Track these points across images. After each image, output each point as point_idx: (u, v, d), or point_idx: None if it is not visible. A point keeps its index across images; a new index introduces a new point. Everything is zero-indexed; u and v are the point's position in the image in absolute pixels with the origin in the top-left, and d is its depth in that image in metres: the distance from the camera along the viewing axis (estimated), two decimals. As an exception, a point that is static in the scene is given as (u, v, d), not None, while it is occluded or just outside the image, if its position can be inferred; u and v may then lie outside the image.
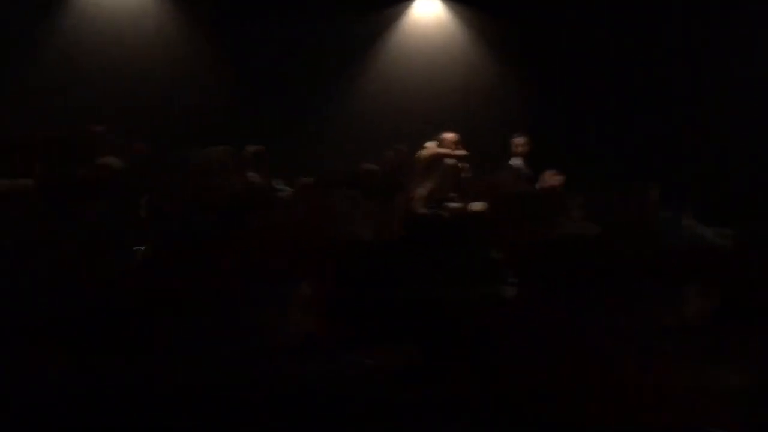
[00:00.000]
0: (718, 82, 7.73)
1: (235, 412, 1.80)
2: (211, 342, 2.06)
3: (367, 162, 5.57)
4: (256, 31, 8.22)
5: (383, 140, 6.98)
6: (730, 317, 2.15)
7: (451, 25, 8.87)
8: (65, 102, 7.63)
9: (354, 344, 2.14)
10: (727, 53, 7.78)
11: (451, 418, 1.81)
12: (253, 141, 6.01)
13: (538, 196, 4.50)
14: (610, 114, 8.05)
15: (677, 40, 8.03)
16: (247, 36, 8.24)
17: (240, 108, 8.12)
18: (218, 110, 8.12)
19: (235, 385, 1.85)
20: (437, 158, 6.10)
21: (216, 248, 2.47)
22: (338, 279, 2.38)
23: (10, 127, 5.47)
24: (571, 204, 3.68)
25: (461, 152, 6.57)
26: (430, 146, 6.55)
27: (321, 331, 2.20)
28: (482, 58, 8.78)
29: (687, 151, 7.73)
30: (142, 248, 2.89)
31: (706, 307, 2.12)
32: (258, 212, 3.12)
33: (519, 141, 7.29)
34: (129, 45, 8.31)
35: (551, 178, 6.34)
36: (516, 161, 7.24)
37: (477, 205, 4.63)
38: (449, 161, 5.95)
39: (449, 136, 6.73)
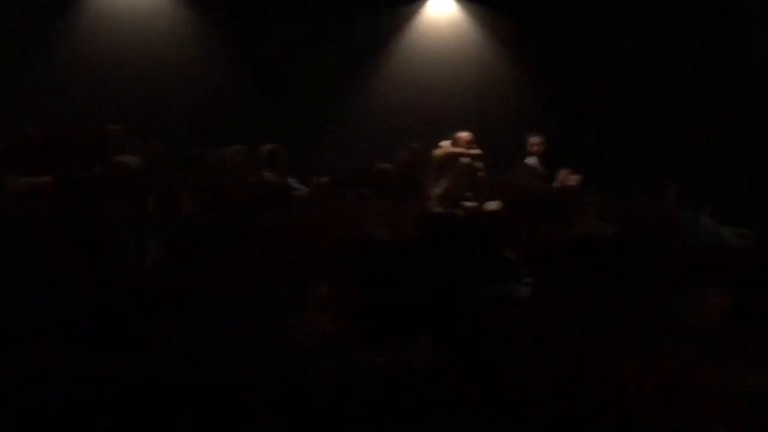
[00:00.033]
0: (733, 81, 7.70)
1: (251, 412, 1.80)
2: (226, 342, 2.07)
3: (382, 161, 5.57)
4: (269, 31, 8.24)
5: (397, 139, 6.97)
6: (748, 318, 2.14)
7: (464, 25, 8.85)
8: (80, 101, 7.67)
9: (369, 344, 2.13)
10: (737, 51, 7.75)
11: (465, 417, 1.81)
12: (268, 140, 6.02)
13: (555, 195, 4.49)
14: (625, 112, 8.02)
15: (690, 39, 8.00)
16: (260, 35, 8.26)
17: (254, 107, 8.14)
18: (232, 109, 8.15)
19: (251, 385, 1.85)
20: (452, 157, 6.10)
21: (231, 248, 2.47)
22: (353, 279, 2.38)
23: (28, 126, 5.50)
24: (587, 203, 3.67)
25: (476, 151, 6.55)
26: (445, 145, 6.54)
27: (337, 331, 2.20)
28: (496, 57, 8.76)
29: (702, 149, 7.70)
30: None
31: (725, 308, 2.11)
32: (273, 211, 3.13)
33: (534, 140, 7.27)
34: (143, 44, 8.35)
35: (567, 177, 6.32)
36: (531, 160, 7.22)
37: (492, 205, 4.62)
38: (464, 160, 5.95)
39: (463, 135, 6.71)
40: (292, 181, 5.52)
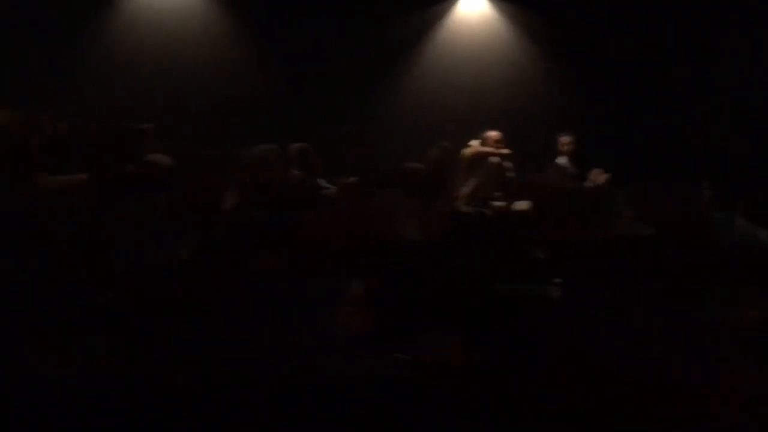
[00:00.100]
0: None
1: (282, 407, 1.80)
2: (255, 339, 2.07)
3: (411, 160, 5.56)
4: (301, 30, 8.27)
5: (427, 138, 6.95)
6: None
7: (496, 23, 8.81)
8: (112, 100, 7.75)
9: (398, 341, 2.13)
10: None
11: (493, 414, 1.80)
12: (299, 139, 6.04)
13: (586, 195, 4.45)
14: (658, 111, 7.93)
15: (727, 38, 7.88)
16: (292, 35, 8.29)
17: (286, 106, 8.17)
18: (263, 109, 8.18)
19: (282, 381, 1.86)
20: (481, 157, 6.07)
21: (262, 246, 2.48)
22: (382, 278, 2.38)
23: (59, 125, 5.56)
24: (621, 204, 3.62)
25: (505, 151, 6.52)
26: (474, 145, 6.51)
27: (365, 329, 2.20)
28: (527, 56, 8.71)
29: (737, 149, 7.59)
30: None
31: (765, 310, 2.07)
32: (303, 211, 3.13)
33: (565, 139, 7.21)
34: (175, 44, 8.42)
35: (599, 177, 6.26)
36: (562, 160, 7.16)
37: (521, 204, 4.59)
38: (493, 160, 5.91)
39: (493, 134, 6.67)
40: (322, 181, 5.53)
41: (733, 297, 2.06)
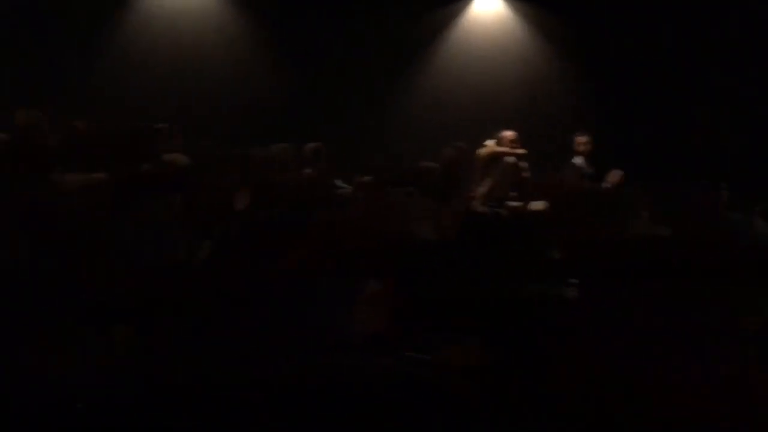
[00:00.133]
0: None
1: (300, 406, 1.81)
2: (275, 338, 2.08)
3: (426, 160, 5.56)
4: (315, 30, 8.28)
5: (442, 138, 6.95)
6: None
7: (511, 22, 8.79)
8: (128, 100, 7.79)
9: (415, 341, 2.13)
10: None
11: (508, 413, 1.80)
12: (313, 139, 6.05)
13: (605, 195, 4.43)
14: (673, 111, 7.89)
15: (742, 38, 7.83)
16: (306, 35, 8.30)
17: (300, 106, 8.18)
18: (278, 108, 8.20)
19: (301, 381, 1.86)
20: (496, 157, 6.05)
21: (278, 245, 2.49)
22: (398, 277, 2.38)
23: (76, 124, 5.60)
24: (637, 204, 3.61)
25: (520, 151, 6.50)
26: (490, 144, 6.50)
27: (382, 329, 2.20)
28: (542, 55, 8.68)
29: (754, 149, 7.54)
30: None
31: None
32: (318, 210, 3.14)
33: (581, 139, 7.18)
34: (191, 44, 8.45)
35: (616, 178, 6.23)
36: (578, 160, 7.14)
37: (537, 204, 4.58)
38: (509, 159, 5.90)
39: (508, 134, 6.66)
40: (337, 181, 5.54)
41: (750, 297, 2.05)
